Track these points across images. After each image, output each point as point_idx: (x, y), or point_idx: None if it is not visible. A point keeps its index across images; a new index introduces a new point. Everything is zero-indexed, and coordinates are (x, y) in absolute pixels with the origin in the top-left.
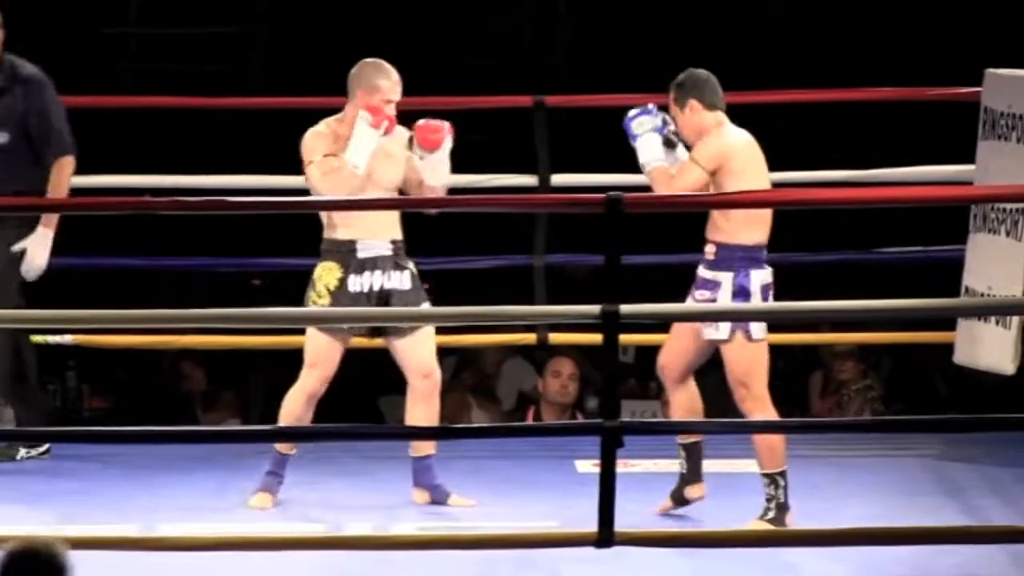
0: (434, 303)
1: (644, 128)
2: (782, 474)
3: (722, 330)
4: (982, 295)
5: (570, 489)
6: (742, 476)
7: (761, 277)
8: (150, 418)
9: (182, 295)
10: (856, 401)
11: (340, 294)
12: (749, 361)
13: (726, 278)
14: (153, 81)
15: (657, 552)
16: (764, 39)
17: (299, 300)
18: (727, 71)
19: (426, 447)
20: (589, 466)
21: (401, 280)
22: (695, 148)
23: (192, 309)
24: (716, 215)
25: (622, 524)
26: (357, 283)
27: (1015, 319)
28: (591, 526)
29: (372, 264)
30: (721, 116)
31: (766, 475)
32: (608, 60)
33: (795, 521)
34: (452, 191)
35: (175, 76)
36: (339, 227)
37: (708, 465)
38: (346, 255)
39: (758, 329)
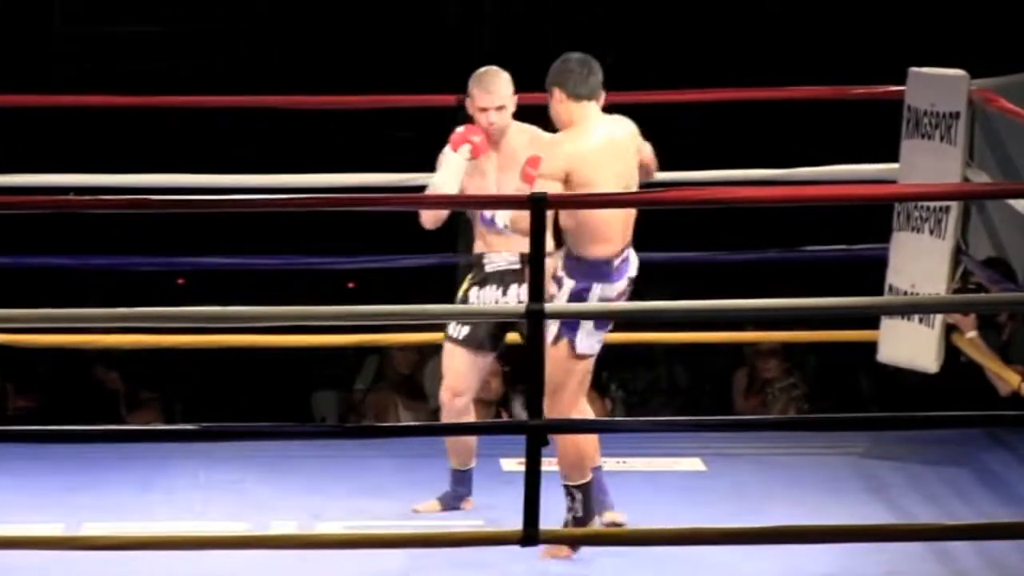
0: (358, 302)
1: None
2: (580, 488)
3: (550, 331)
4: (906, 294)
5: (495, 488)
6: (664, 474)
7: (602, 291)
8: (75, 417)
9: (106, 294)
10: (780, 399)
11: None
12: (564, 372)
13: (568, 283)
14: (93, 80)
15: (580, 551)
16: (688, 38)
17: (222, 299)
18: (650, 70)
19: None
20: (514, 464)
21: (525, 295)
22: (542, 160)
23: (116, 308)
24: (560, 224)
25: (547, 522)
26: (476, 296)
27: (938, 318)
28: (516, 524)
29: (496, 278)
30: (588, 107)
31: (563, 487)
32: (533, 58)
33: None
34: (375, 190)
35: (103, 76)
36: (475, 239)
37: (630, 463)
38: (477, 268)
39: (584, 342)
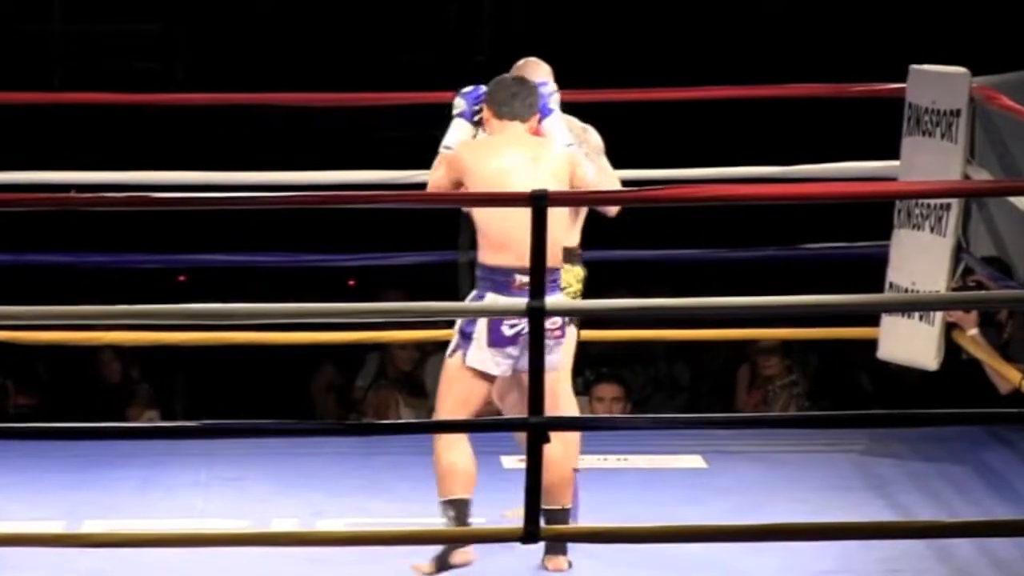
0: (362, 299)
1: (456, 109)
2: (451, 503)
3: (450, 344)
4: (906, 291)
5: (496, 485)
6: (665, 472)
7: (494, 302)
8: (75, 415)
9: (107, 292)
10: (782, 397)
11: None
12: (447, 382)
13: (469, 296)
14: (79, 79)
15: (581, 547)
16: (689, 36)
17: (223, 296)
18: (651, 68)
19: None
20: (515, 462)
21: None
22: (442, 155)
23: (117, 306)
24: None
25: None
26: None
27: (938, 315)
28: (517, 522)
29: None
30: (507, 126)
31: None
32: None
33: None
34: (374, 187)
35: (102, 74)
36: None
37: (630, 460)
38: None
39: (475, 357)
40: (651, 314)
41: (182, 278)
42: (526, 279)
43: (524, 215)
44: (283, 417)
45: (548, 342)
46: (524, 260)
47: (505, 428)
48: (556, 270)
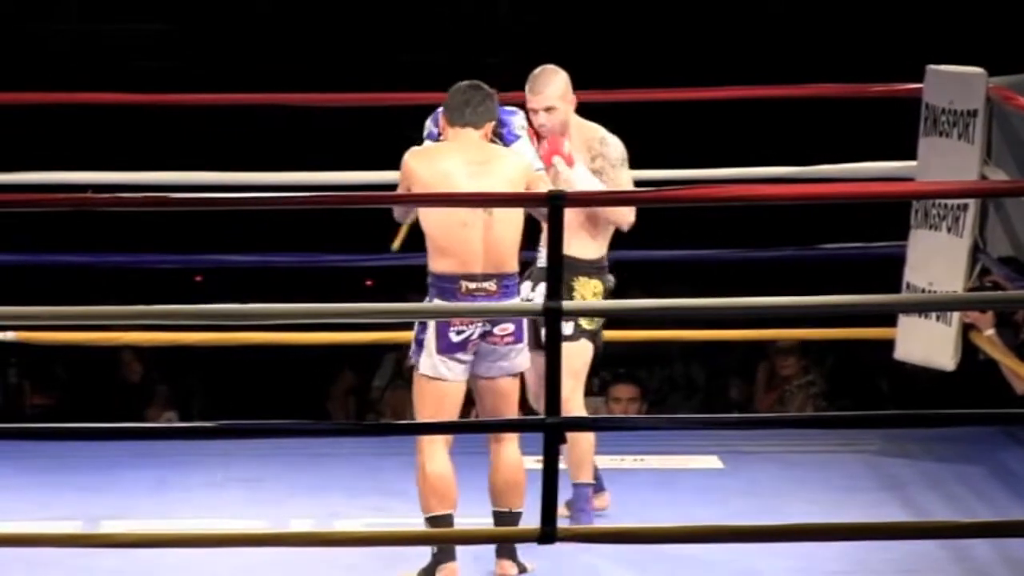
0: (379, 299)
1: (424, 131)
2: (431, 520)
3: (410, 354)
4: (923, 291)
5: None
6: (681, 472)
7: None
8: (91, 415)
9: (124, 292)
10: (798, 397)
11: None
12: (415, 394)
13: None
14: (80, 79)
15: (597, 547)
16: (705, 35)
17: (239, 296)
18: (668, 68)
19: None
20: (531, 462)
21: None
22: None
23: (133, 306)
24: None
25: (564, 520)
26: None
27: (955, 315)
28: (534, 522)
29: (541, 275)
30: (459, 134)
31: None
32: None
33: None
34: (386, 188)
35: (103, 74)
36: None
37: (647, 460)
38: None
39: (426, 364)
40: (668, 314)
41: (199, 278)
42: (472, 284)
43: (466, 222)
44: (300, 418)
45: (500, 348)
46: (468, 266)
47: (518, 428)
48: (512, 275)
